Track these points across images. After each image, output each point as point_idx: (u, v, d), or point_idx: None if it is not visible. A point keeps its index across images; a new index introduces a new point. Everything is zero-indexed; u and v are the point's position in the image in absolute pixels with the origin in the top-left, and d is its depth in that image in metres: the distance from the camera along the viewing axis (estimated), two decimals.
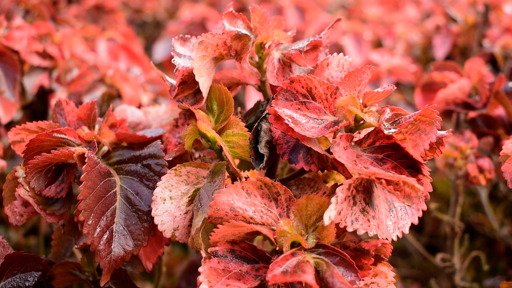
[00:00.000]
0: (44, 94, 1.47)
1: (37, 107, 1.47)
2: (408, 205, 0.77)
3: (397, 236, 0.78)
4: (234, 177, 0.89)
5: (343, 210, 0.75)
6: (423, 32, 2.14)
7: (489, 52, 1.84)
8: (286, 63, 0.90)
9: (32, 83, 1.42)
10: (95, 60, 1.48)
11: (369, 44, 2.18)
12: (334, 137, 0.85)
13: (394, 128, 0.79)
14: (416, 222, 0.81)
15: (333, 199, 0.73)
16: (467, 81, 1.20)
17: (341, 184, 0.74)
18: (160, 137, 0.96)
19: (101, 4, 2.58)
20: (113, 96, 1.37)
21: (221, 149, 0.87)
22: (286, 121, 0.78)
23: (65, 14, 2.10)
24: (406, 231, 0.80)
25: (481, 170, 1.11)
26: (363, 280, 0.84)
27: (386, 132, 0.78)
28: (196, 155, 0.97)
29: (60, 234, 0.99)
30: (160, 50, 2.25)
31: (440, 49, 1.96)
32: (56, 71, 1.46)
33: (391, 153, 0.82)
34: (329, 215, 0.72)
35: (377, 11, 2.70)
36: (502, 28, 1.90)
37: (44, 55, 1.46)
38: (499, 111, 1.25)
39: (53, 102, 1.42)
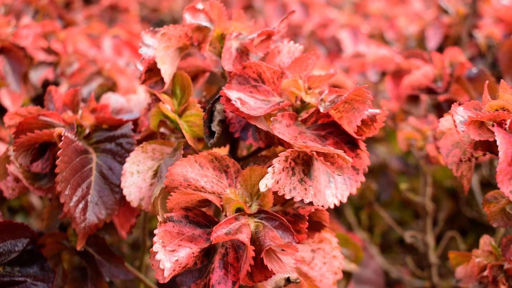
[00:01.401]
0: (48, 87, 1.60)
1: (42, 99, 1.60)
2: (339, 175, 0.86)
3: (335, 204, 0.88)
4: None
5: (282, 180, 0.84)
6: (419, 24, 2.21)
7: (480, 42, 1.89)
8: (243, 52, 1.00)
9: (38, 76, 1.56)
10: (95, 55, 1.60)
11: (366, 37, 2.25)
12: None
13: (330, 107, 0.88)
14: (354, 192, 0.90)
15: (269, 169, 0.83)
16: (431, 68, 1.28)
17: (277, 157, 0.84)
18: (136, 120, 1.07)
19: (115, 4, 2.72)
20: (110, 87, 1.49)
21: None
22: (233, 102, 0.88)
23: (77, 14, 2.23)
24: (344, 200, 0.89)
25: (439, 150, 1.19)
26: (302, 243, 0.94)
27: (321, 110, 0.88)
28: (172, 137, 1.07)
29: (51, 208, 1.11)
30: None
31: (432, 40, 2.03)
32: (60, 66, 1.59)
33: (332, 130, 0.91)
34: (266, 183, 0.82)
35: (380, 5, 2.76)
36: (492, 18, 1.95)
37: (49, 51, 1.59)
38: (463, 97, 1.32)
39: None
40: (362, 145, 0.91)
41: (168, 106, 0.93)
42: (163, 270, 0.81)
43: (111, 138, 1.01)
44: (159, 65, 0.93)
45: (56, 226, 1.11)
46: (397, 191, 2.13)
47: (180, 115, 0.95)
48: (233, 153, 1.02)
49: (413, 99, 1.30)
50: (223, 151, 1.08)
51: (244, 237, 0.79)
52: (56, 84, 1.61)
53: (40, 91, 1.63)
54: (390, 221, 1.59)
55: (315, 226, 0.92)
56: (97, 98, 1.43)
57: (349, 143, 0.91)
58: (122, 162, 0.98)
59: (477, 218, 1.91)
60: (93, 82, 1.47)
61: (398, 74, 1.34)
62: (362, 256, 1.20)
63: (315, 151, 0.83)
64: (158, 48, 0.94)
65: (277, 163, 0.83)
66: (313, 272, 0.95)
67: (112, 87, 1.50)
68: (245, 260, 0.79)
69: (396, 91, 1.35)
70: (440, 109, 1.30)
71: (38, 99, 1.63)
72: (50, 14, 1.74)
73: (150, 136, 1.02)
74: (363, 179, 0.91)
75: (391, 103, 1.41)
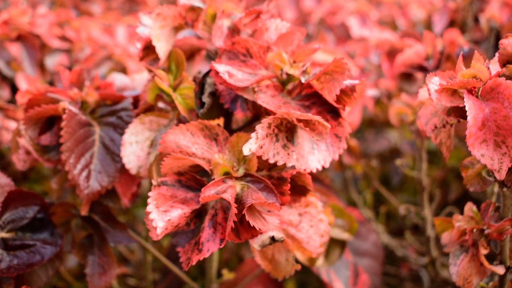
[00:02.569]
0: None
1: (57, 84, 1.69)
2: (318, 140, 0.92)
3: (317, 168, 0.93)
4: None
5: (265, 145, 0.90)
6: (426, 10, 2.24)
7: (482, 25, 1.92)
8: (234, 30, 1.07)
9: (53, 62, 1.65)
10: (107, 42, 1.68)
11: (375, 24, 2.29)
12: None
13: (311, 78, 0.94)
14: (336, 158, 0.96)
15: (253, 134, 0.89)
16: (422, 46, 1.32)
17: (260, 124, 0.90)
18: (137, 96, 1.14)
19: None
20: (119, 71, 1.58)
21: None
22: (221, 74, 0.95)
23: (94, 6, 2.32)
24: (327, 165, 0.95)
25: None
26: (289, 206, 1.00)
27: (303, 80, 0.94)
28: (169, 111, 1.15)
29: (61, 180, 1.20)
30: None
31: (438, 25, 2.06)
32: (74, 52, 1.68)
33: (315, 101, 0.97)
34: (249, 147, 0.88)
35: None
36: (498, 3, 1.97)
37: (63, 38, 1.68)
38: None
39: None
40: (344, 113, 0.96)
41: (162, 80, 1.00)
42: (156, 228, 0.89)
43: (113, 112, 1.08)
44: (154, 43, 1.01)
45: (66, 196, 1.19)
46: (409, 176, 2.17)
47: (175, 89, 1.02)
48: (227, 126, 1.09)
49: (406, 76, 1.35)
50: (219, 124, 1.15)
51: (228, 196, 0.85)
52: (70, 69, 1.70)
53: (55, 76, 1.72)
54: (393, 200, 1.63)
55: (300, 190, 0.98)
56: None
57: (332, 112, 0.97)
58: (122, 134, 1.06)
59: (482, 198, 1.94)
60: (103, 66, 1.55)
61: (393, 54, 1.39)
62: (356, 227, 1.25)
63: (296, 118, 0.89)
64: (153, 27, 1.02)
65: (260, 129, 0.90)
66: (300, 234, 1.01)
67: (121, 71, 1.58)
68: (230, 217, 0.86)
69: (391, 70, 1.40)
70: None
71: (54, 84, 1.72)
72: (65, 4, 1.83)
73: (149, 110, 1.09)
74: (345, 146, 0.96)
75: (388, 82, 1.46)
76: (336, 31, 2.25)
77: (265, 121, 0.91)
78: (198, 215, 0.94)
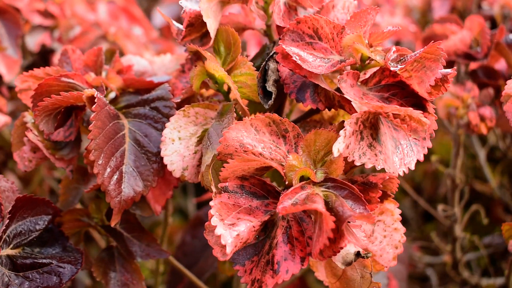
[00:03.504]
0: (45, 53, 1.47)
1: (39, 66, 1.46)
2: (415, 139, 0.79)
3: (404, 171, 0.80)
4: (240, 119, 0.89)
5: (351, 144, 0.76)
6: None
7: (488, 14, 1.83)
8: (291, 7, 0.91)
9: (34, 41, 1.42)
10: (95, 19, 1.47)
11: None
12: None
13: (400, 65, 0.80)
14: (421, 159, 0.83)
15: (341, 132, 0.74)
16: (468, 33, 1.21)
17: (349, 119, 0.75)
18: (166, 82, 0.96)
19: None
20: (115, 53, 1.37)
21: (228, 91, 0.88)
22: (294, 58, 0.79)
23: None
24: (412, 167, 0.81)
25: (482, 118, 1.12)
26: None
27: (392, 69, 0.79)
28: (200, 100, 0.98)
29: (68, 182, 1.00)
30: (159, 16, 2.25)
31: (439, 11, 1.96)
32: (58, 31, 1.46)
33: (397, 91, 0.83)
34: (338, 148, 0.74)
35: None
36: None
37: (45, 14, 1.46)
38: (499, 63, 1.26)
39: (56, 60, 1.42)
40: (431, 107, 0.83)
41: (217, 64, 0.83)
42: (223, 246, 0.72)
43: (145, 102, 0.90)
44: (205, 18, 0.83)
45: (75, 202, 1.00)
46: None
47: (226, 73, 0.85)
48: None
49: (449, 65, 1.23)
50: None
51: (320, 206, 0.70)
52: (53, 50, 1.48)
53: (33, 58, 1.50)
54: (412, 192, 1.52)
55: (380, 196, 0.84)
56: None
57: (415, 105, 0.83)
58: (158, 128, 0.88)
59: (486, 191, 1.88)
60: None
61: (430, 40, 1.26)
62: None
63: (392, 113, 0.75)
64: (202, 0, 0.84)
65: (348, 126, 0.75)
66: (373, 246, 0.87)
67: (118, 52, 1.38)
68: (320, 233, 0.71)
69: None
70: (476, 76, 1.24)
71: (32, 67, 1.49)
72: None
73: (188, 100, 0.91)
74: (429, 144, 0.83)
75: None
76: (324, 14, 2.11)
77: (354, 116, 0.76)
78: (263, 227, 0.78)
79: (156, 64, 1.07)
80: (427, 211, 1.68)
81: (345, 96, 0.77)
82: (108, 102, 0.88)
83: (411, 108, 0.76)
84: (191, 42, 0.90)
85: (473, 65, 1.25)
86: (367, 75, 0.85)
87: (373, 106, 0.75)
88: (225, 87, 0.87)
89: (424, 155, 0.83)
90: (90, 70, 0.95)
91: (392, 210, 0.86)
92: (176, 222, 1.97)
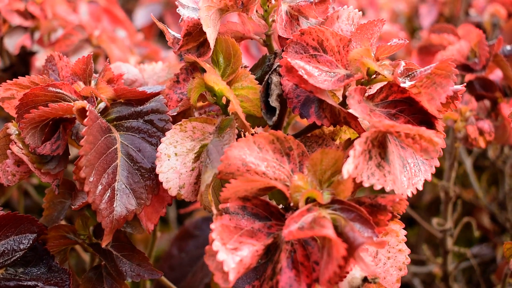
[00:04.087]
0: (25, 56, 1.40)
1: (18, 69, 1.40)
2: (426, 159, 0.75)
3: (412, 192, 0.77)
4: (239, 135, 0.85)
5: (360, 165, 0.72)
6: (408, 2, 2.13)
7: (475, 21, 1.83)
8: (293, 16, 0.87)
9: (13, 43, 1.35)
10: (79, 21, 1.41)
11: None
12: (344, 92, 0.83)
13: (410, 81, 0.77)
14: (429, 178, 0.80)
15: (351, 152, 0.70)
16: (466, 43, 1.19)
17: (358, 137, 0.72)
18: (159, 94, 0.91)
19: None
20: (99, 57, 1.32)
21: (227, 104, 0.83)
22: (300, 73, 0.75)
23: None
24: (420, 187, 0.78)
25: (481, 132, 1.10)
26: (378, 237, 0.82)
27: (402, 85, 0.76)
28: (196, 114, 0.93)
29: (53, 196, 0.95)
30: (140, 17, 2.19)
31: (427, 18, 1.95)
32: (38, 32, 1.39)
33: (404, 108, 0.80)
34: (347, 169, 0.70)
35: None
36: None
37: (25, 14, 1.39)
38: (495, 74, 1.24)
39: (37, 63, 1.35)
40: (440, 125, 0.80)
41: (217, 77, 0.78)
42: (225, 272, 0.68)
43: (138, 114, 0.85)
44: (204, 28, 0.79)
45: (60, 217, 0.94)
46: None
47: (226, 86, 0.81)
48: None
49: None
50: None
51: (330, 232, 0.66)
52: (33, 53, 1.41)
53: (12, 60, 1.43)
54: None
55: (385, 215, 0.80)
56: None
57: (423, 123, 0.80)
58: (153, 143, 0.83)
59: (474, 201, 1.87)
60: (83, 51, 1.29)
61: (426, 50, 1.24)
62: None
63: (404, 132, 0.72)
64: (202, 7, 0.79)
65: (358, 145, 0.71)
66: (376, 268, 0.83)
67: (101, 57, 1.33)
68: (329, 260, 0.67)
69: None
70: (472, 88, 1.22)
71: (11, 70, 1.42)
72: None
73: (184, 113, 0.87)
74: (437, 163, 0.80)
75: None
76: None
77: (364, 135, 0.72)
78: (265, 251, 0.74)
79: (146, 72, 1.02)
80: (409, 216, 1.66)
81: (353, 113, 0.73)
82: (99, 114, 0.83)
83: (423, 128, 0.72)
84: (188, 52, 0.85)
85: (469, 77, 1.23)
86: (374, 90, 0.82)
87: (384, 125, 0.71)
88: (224, 100, 0.83)
89: (431, 174, 0.80)
90: (78, 79, 0.90)
91: (397, 231, 0.83)
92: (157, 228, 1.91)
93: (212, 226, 0.70)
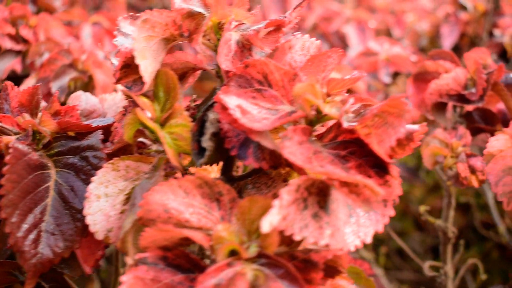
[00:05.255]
0: (16, 79, 1.39)
1: None
2: (367, 211, 0.67)
3: (356, 246, 0.68)
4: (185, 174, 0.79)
5: (291, 215, 0.64)
6: (431, 21, 2.02)
7: (499, 42, 1.71)
8: (245, 46, 0.80)
9: (3, 67, 1.35)
10: (71, 45, 1.39)
11: (373, 32, 2.06)
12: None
13: (355, 121, 0.68)
14: (380, 229, 0.71)
15: (275, 202, 0.63)
16: (463, 71, 1.08)
17: (287, 185, 0.64)
18: (109, 126, 0.87)
19: None
20: (85, 83, 1.29)
21: None
22: (231, 111, 0.68)
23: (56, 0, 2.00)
24: (368, 240, 0.69)
25: (473, 170, 0.99)
26: None
27: (345, 125, 0.68)
28: (153, 150, 0.87)
29: (2, 229, 0.91)
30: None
31: (448, 38, 1.84)
32: (29, 55, 1.38)
33: (355, 149, 0.71)
34: (270, 221, 0.62)
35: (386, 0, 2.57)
36: None
37: (17, 38, 1.38)
38: (499, 105, 1.13)
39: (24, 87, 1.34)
40: (394, 170, 0.71)
41: (147, 113, 0.73)
42: None
43: (76, 150, 0.80)
44: (137, 60, 0.73)
45: (7, 253, 0.91)
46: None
47: (163, 124, 0.75)
48: (227, 172, 0.82)
49: (440, 107, 1.10)
50: (215, 168, 0.89)
51: None
52: (25, 76, 1.40)
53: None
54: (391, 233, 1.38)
55: (329, 272, 0.72)
56: (70, 95, 1.22)
57: (377, 166, 0.71)
58: (87, 181, 0.78)
59: (493, 237, 1.74)
60: (66, 76, 1.26)
61: (422, 77, 1.14)
62: None
63: (338, 180, 0.64)
64: (137, 38, 0.74)
65: (286, 194, 0.64)
66: None
67: (88, 82, 1.30)
68: None
69: (419, 97, 1.15)
70: (471, 119, 1.11)
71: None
72: None
73: (125, 149, 0.81)
74: (392, 212, 0.71)
75: (412, 111, 1.21)
76: (331, 40, 2.00)
77: (294, 182, 0.64)
78: None
79: (107, 102, 0.97)
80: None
81: (287, 157, 0.66)
82: (33, 149, 0.78)
83: (360, 176, 0.64)
84: (132, 84, 0.80)
85: (469, 107, 1.12)
86: (325, 128, 0.74)
87: (318, 172, 0.64)
88: None
89: (384, 224, 0.71)
90: (25, 111, 0.86)
91: (346, 287, 0.74)
92: None
93: (123, 278, 0.64)
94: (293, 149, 0.67)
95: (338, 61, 0.76)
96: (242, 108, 0.70)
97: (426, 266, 1.15)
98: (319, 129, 0.74)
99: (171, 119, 0.75)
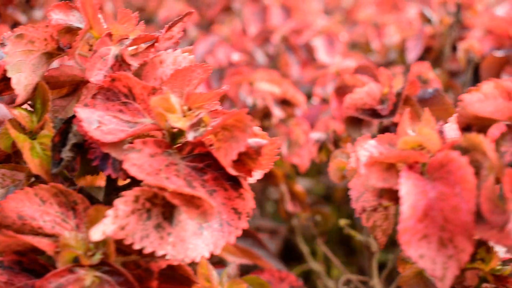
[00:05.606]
0: None
1: None
2: (202, 223, 0.69)
3: (203, 256, 0.70)
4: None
5: (131, 225, 0.67)
6: (401, 34, 2.02)
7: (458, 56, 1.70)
8: (124, 60, 0.83)
9: None
10: None
11: (344, 45, 2.06)
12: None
13: (200, 134, 0.70)
14: (232, 241, 0.72)
15: (109, 212, 0.65)
16: (377, 86, 1.09)
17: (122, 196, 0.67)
18: None
19: None
20: None
21: None
22: (83, 124, 0.71)
23: (37, 12, 2.06)
24: (217, 251, 0.71)
25: None
26: None
27: (190, 138, 0.70)
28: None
29: None
30: None
31: (413, 52, 1.84)
32: None
33: (211, 162, 0.73)
34: (103, 230, 0.65)
35: (371, 12, 2.57)
36: (481, 30, 1.76)
37: None
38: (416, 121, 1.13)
39: None
40: (246, 183, 0.73)
41: (19, 123, 0.76)
42: None
43: None
44: (9, 74, 0.77)
45: None
46: None
47: (36, 135, 0.79)
48: (111, 184, 0.85)
49: (356, 121, 1.11)
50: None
51: None
52: None
53: None
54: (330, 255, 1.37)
55: (183, 280, 0.74)
56: None
57: (232, 180, 0.73)
58: None
59: None
60: None
61: (343, 91, 1.15)
62: None
63: (170, 192, 0.66)
64: (10, 53, 0.78)
65: (122, 205, 0.66)
66: None
67: None
68: None
69: (340, 111, 1.16)
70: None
71: None
72: None
73: (9, 158, 0.85)
74: (245, 225, 0.73)
75: (336, 125, 1.22)
76: (299, 53, 2.01)
77: (130, 193, 0.67)
78: None
79: None
80: None
81: (126, 168, 0.68)
82: None
83: (189, 188, 0.66)
84: (15, 97, 0.83)
85: (387, 122, 1.13)
86: (183, 143, 0.76)
87: (149, 183, 0.66)
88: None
89: (236, 236, 0.73)
90: None
91: None
92: None
93: None
94: (140, 161, 0.69)
95: (205, 75, 0.78)
96: (101, 121, 0.73)
97: (342, 279, 1.16)
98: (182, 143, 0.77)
99: (42, 130, 0.78)
